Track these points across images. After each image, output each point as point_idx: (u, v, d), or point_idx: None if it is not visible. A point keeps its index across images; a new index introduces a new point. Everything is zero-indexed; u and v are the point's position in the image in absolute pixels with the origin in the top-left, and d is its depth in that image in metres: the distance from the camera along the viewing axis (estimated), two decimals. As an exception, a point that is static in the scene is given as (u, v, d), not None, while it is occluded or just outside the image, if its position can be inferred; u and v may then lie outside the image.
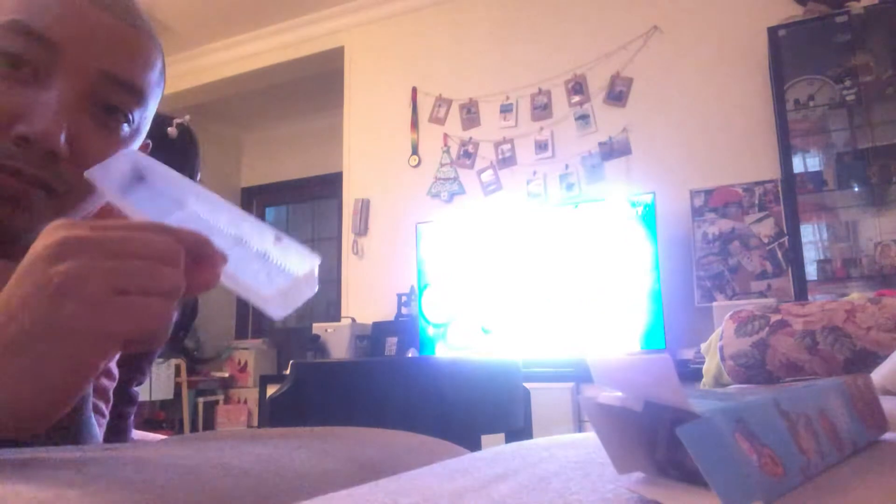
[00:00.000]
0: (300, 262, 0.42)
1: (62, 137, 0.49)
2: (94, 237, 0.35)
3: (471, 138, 3.59)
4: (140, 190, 0.47)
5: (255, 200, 5.62)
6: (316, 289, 0.44)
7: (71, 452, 0.38)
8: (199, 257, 0.39)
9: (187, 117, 0.92)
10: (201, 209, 0.46)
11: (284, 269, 0.42)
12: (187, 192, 0.47)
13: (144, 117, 0.58)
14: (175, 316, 0.37)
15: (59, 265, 0.34)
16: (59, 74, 0.50)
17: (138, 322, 0.35)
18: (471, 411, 1.03)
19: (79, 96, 0.51)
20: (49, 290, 0.33)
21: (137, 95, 0.55)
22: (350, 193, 3.91)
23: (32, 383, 0.34)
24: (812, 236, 2.75)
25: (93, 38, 0.51)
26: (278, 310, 0.41)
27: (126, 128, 0.55)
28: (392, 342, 3.44)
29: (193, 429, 4.38)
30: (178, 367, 4.19)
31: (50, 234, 0.36)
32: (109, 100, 0.53)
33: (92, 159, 0.52)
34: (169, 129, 0.86)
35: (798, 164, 2.73)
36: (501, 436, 1.15)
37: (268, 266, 0.42)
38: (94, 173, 0.46)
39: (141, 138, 0.59)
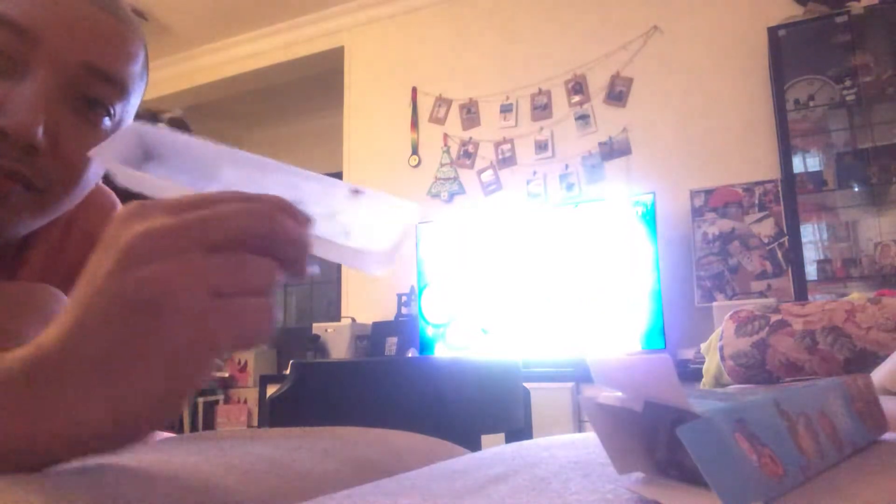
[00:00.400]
0: (388, 213, 0.37)
1: (40, 130, 0.47)
2: (178, 225, 0.29)
3: (471, 138, 3.59)
4: (155, 166, 0.40)
5: (255, 200, 5.61)
6: (410, 237, 0.38)
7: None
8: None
9: (178, 111, 0.91)
10: (240, 176, 0.39)
11: (368, 223, 0.36)
12: (218, 159, 0.39)
13: (126, 110, 0.56)
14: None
15: (145, 269, 0.28)
16: (38, 66, 0.48)
17: (243, 327, 0.29)
18: (471, 411, 1.03)
19: (58, 88, 0.49)
20: (138, 303, 0.28)
21: (119, 87, 0.53)
22: (350, 193, 3.90)
23: (123, 407, 0.28)
24: (812, 236, 2.75)
25: (72, 29, 0.49)
26: (376, 267, 0.36)
27: (107, 121, 0.53)
28: (392, 342, 3.44)
29: (193, 429, 4.38)
30: (178, 367, 4.18)
31: (125, 226, 0.29)
32: (90, 92, 0.51)
33: (71, 153, 0.51)
34: (159, 123, 0.85)
35: (798, 164, 2.73)
36: (501, 436, 1.15)
37: (346, 224, 0.36)
38: (100, 152, 0.39)
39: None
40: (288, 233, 0.31)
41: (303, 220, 0.32)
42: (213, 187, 0.36)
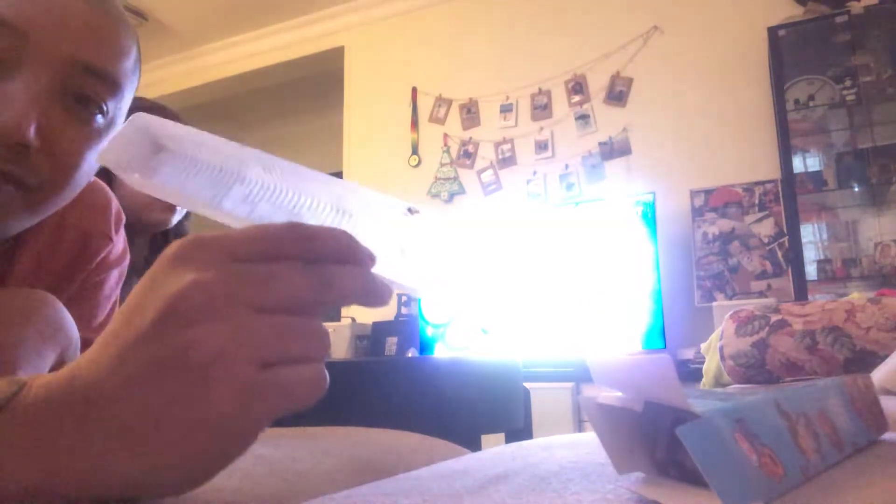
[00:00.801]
0: (442, 235, 0.35)
1: (32, 128, 0.46)
2: (233, 281, 0.27)
3: (471, 138, 3.59)
4: (167, 164, 0.33)
5: (255, 200, 5.61)
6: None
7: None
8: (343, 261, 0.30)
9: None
10: (272, 181, 0.33)
11: (423, 244, 0.34)
12: (242, 157, 0.34)
13: (119, 108, 0.55)
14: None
15: (195, 328, 0.26)
16: (28, 63, 0.47)
17: (293, 398, 0.27)
18: (471, 411, 1.03)
19: (49, 86, 0.48)
20: (185, 365, 0.25)
21: (111, 84, 0.52)
22: (350, 193, 3.91)
23: (156, 462, 0.26)
24: (812, 236, 2.75)
25: (63, 25, 0.49)
26: (431, 289, 0.34)
27: (100, 118, 0.52)
28: (392, 342, 3.44)
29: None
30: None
31: (175, 268, 0.27)
32: (82, 89, 0.50)
33: (64, 151, 0.50)
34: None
35: (798, 164, 2.73)
36: (501, 436, 1.15)
37: (402, 244, 0.33)
38: (106, 153, 0.33)
39: (115, 131, 0.56)
40: (348, 294, 0.29)
41: (365, 258, 0.30)
42: (237, 190, 0.33)
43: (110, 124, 0.55)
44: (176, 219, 1.24)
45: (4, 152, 0.46)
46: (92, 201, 0.67)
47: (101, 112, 0.53)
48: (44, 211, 0.53)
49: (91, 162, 0.55)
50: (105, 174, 0.62)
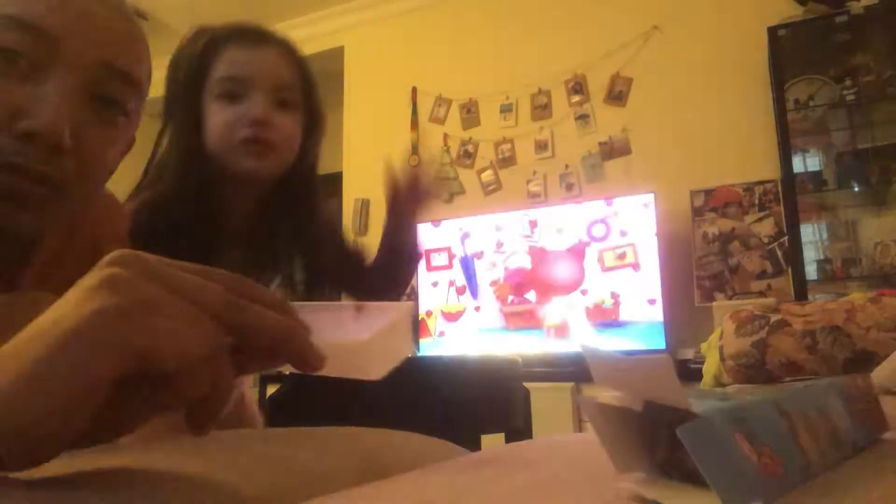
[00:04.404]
0: (384, 314, 0.37)
1: (67, 131, 0.48)
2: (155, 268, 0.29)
3: (471, 138, 3.59)
4: None
5: (255, 200, 5.60)
6: (410, 341, 0.39)
7: (69, 459, 0.38)
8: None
9: None
10: None
11: (370, 336, 0.36)
12: None
13: (139, 109, 0.57)
14: (234, 380, 0.30)
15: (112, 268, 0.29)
16: (57, 67, 0.49)
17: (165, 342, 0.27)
18: (470, 411, 1.03)
19: (78, 88, 0.50)
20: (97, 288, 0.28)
21: (135, 86, 0.54)
22: (350, 193, 3.90)
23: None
24: (812, 236, 2.75)
25: (90, 30, 0.50)
26: (372, 374, 0.36)
27: (122, 120, 0.54)
28: (392, 342, 3.44)
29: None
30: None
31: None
32: (108, 91, 0.52)
33: (92, 153, 0.51)
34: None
35: (798, 164, 2.73)
36: (501, 436, 1.15)
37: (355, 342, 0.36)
38: None
39: (133, 127, 0.58)
40: (259, 325, 0.30)
41: (296, 319, 0.32)
42: None
43: (130, 125, 0.56)
44: (274, 168, 0.99)
45: (41, 154, 0.47)
46: (105, 209, 0.68)
47: (124, 113, 0.54)
48: (69, 211, 0.54)
49: (113, 163, 0.56)
50: None
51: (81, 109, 0.50)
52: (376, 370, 0.36)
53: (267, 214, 1.03)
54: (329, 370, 0.32)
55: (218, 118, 0.93)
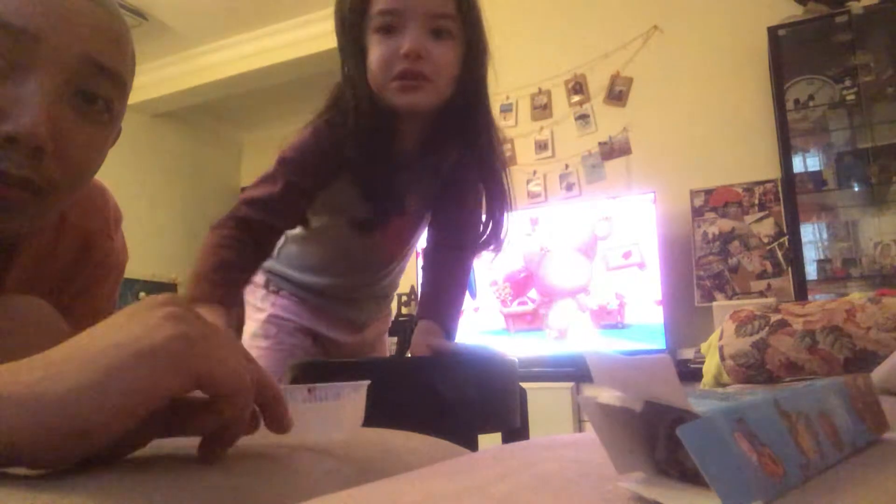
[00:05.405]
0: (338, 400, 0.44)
1: (47, 132, 0.47)
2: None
3: (471, 138, 3.59)
4: None
5: (255, 200, 5.61)
6: (362, 412, 0.46)
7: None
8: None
9: None
10: None
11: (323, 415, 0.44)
12: None
13: (122, 106, 0.56)
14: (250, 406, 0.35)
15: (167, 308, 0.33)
16: (38, 65, 0.47)
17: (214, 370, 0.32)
18: (468, 411, 1.03)
19: (59, 86, 0.48)
20: (159, 316, 0.32)
21: (118, 81, 0.53)
22: (350, 193, 3.91)
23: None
24: (812, 236, 2.75)
25: (69, 24, 0.49)
26: (329, 424, 0.43)
27: (106, 117, 0.53)
28: (392, 342, 3.44)
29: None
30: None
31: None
32: (90, 87, 0.51)
33: (75, 153, 0.50)
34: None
35: (798, 164, 2.73)
36: (498, 436, 1.15)
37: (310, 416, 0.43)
38: None
39: (117, 126, 0.57)
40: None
41: (278, 395, 0.38)
42: None
43: (114, 121, 0.55)
44: (431, 99, 0.96)
45: (22, 158, 0.46)
46: (91, 201, 0.67)
47: (108, 110, 0.53)
48: (54, 213, 0.54)
49: (97, 160, 0.55)
50: None
51: (64, 107, 0.49)
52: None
53: (434, 143, 1.05)
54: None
55: (375, 52, 0.95)
